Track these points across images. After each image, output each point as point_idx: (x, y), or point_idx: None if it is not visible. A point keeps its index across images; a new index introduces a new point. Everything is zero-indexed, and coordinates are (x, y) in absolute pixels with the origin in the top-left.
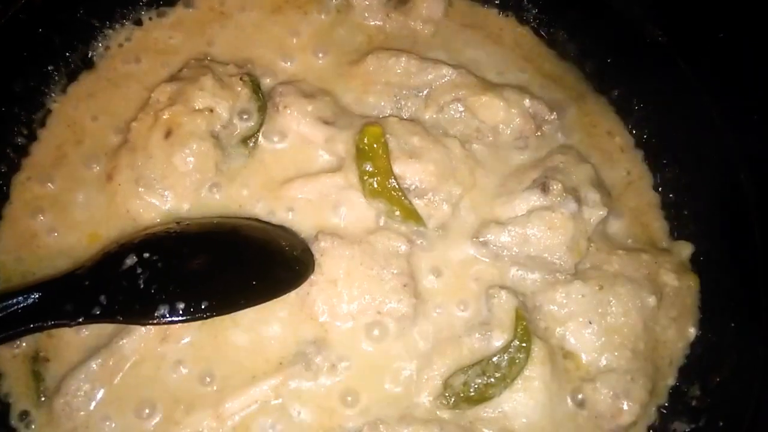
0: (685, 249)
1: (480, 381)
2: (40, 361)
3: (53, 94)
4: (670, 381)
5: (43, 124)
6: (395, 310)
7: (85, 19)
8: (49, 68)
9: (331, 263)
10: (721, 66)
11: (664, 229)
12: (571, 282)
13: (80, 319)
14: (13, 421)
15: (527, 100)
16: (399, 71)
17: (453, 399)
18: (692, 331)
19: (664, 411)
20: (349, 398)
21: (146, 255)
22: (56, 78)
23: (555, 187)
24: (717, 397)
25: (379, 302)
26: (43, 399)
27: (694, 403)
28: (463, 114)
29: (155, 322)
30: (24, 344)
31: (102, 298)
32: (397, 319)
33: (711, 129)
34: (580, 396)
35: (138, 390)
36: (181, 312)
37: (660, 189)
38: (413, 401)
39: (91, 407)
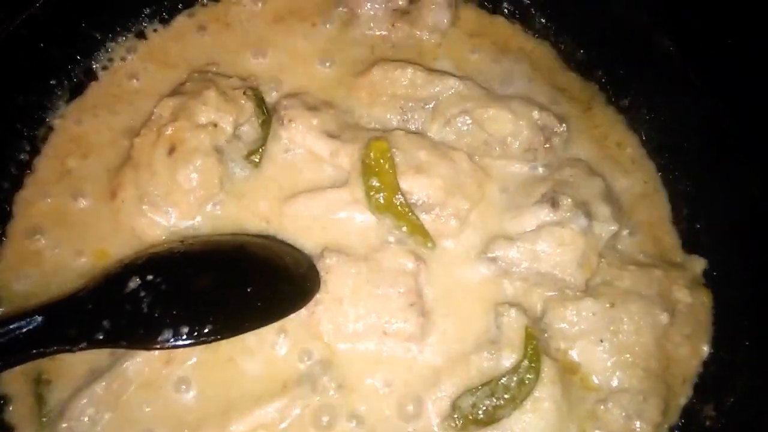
0: (698, 264)
1: (489, 402)
2: (43, 384)
3: (56, 109)
4: (683, 400)
5: (45, 139)
6: (402, 330)
7: (87, 33)
8: (51, 83)
9: (337, 281)
10: (732, 76)
11: (677, 243)
12: (582, 299)
13: (83, 344)
14: None
15: (536, 112)
16: (405, 83)
17: (461, 421)
18: (705, 349)
19: (678, 431)
20: (356, 420)
21: (149, 277)
22: (59, 93)
23: (565, 202)
24: (731, 416)
25: (386, 322)
26: (45, 420)
27: (707, 423)
28: (470, 127)
29: (159, 346)
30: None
31: (105, 322)
32: (404, 338)
33: (723, 140)
34: (591, 417)
35: (143, 413)
36: (185, 336)
37: (672, 202)
38: (421, 423)
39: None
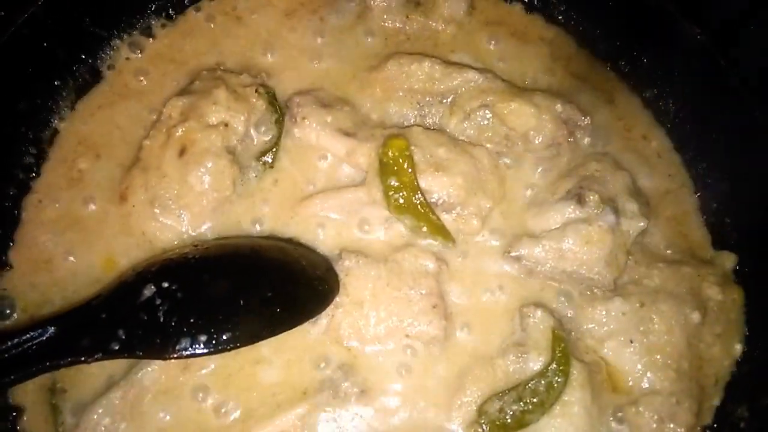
0: (729, 260)
1: (517, 407)
2: (58, 393)
3: (61, 111)
4: (716, 401)
5: (52, 142)
6: (424, 333)
7: (92, 30)
8: (55, 83)
9: (356, 283)
10: (764, 65)
11: (706, 238)
12: (611, 299)
13: (98, 355)
14: None
15: (559, 105)
16: (422, 77)
17: (488, 427)
18: (738, 348)
19: None
20: (379, 426)
21: (165, 284)
22: (64, 94)
23: (591, 198)
24: (766, 418)
25: (408, 324)
26: (61, 431)
27: (742, 425)
28: (490, 121)
29: (176, 356)
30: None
31: (120, 332)
32: (427, 342)
33: (754, 131)
34: (622, 421)
35: (160, 422)
36: (202, 345)
37: (700, 196)
38: (446, 429)
39: None
